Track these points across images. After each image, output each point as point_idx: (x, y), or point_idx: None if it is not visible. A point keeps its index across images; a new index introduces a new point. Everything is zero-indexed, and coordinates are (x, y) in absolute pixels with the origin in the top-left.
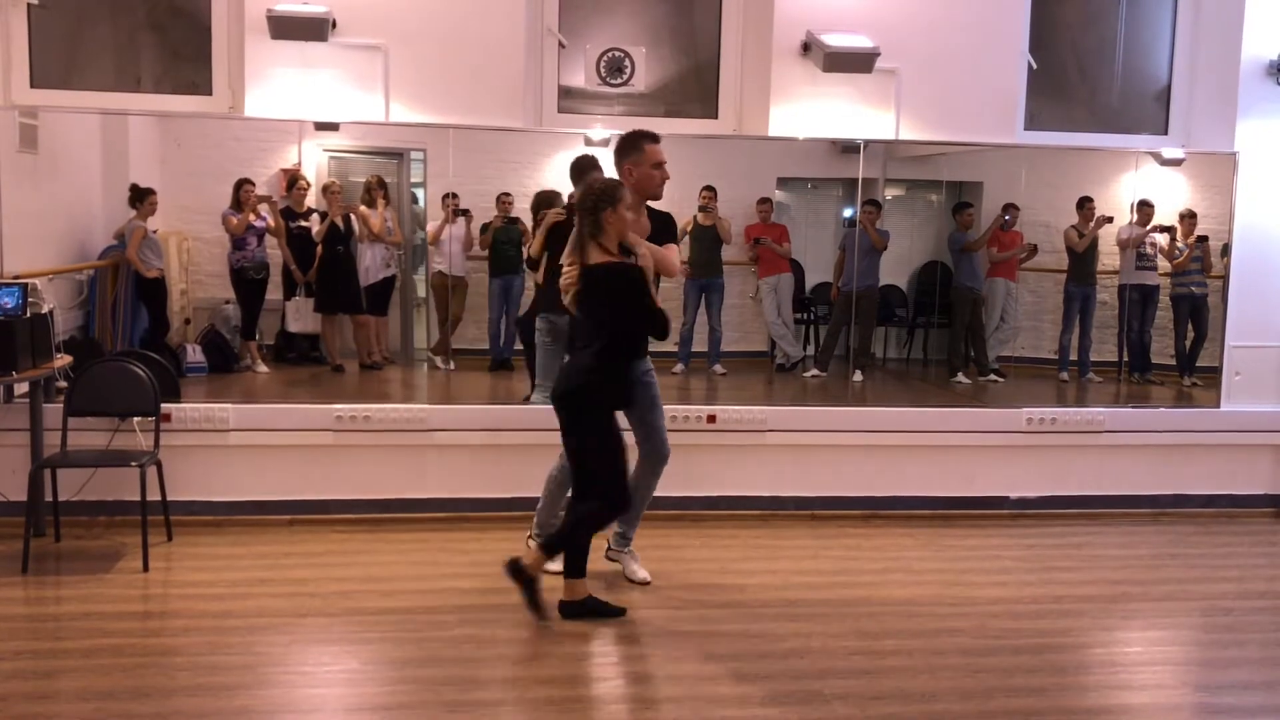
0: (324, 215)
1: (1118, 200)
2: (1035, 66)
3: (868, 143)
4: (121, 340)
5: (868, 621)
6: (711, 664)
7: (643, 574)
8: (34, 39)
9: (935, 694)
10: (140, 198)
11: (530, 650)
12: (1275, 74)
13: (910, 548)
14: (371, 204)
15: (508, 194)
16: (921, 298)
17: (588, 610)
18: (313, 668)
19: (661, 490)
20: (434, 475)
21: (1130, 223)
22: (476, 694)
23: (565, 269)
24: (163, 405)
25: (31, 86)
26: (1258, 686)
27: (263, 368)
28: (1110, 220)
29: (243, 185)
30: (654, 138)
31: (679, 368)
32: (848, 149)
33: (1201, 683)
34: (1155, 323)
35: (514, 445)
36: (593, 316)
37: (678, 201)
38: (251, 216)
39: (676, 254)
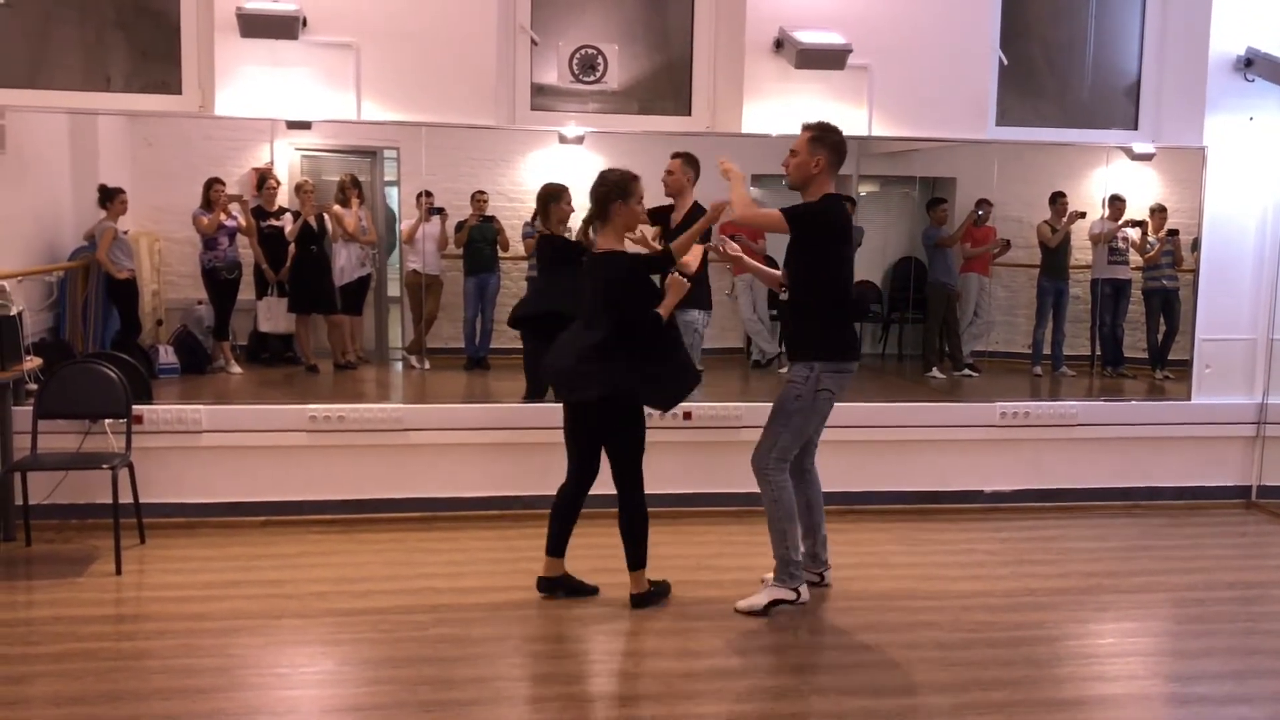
0: (296, 214)
1: (1089, 195)
2: (1006, 62)
3: None
4: (92, 342)
5: (843, 616)
6: (688, 660)
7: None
8: (1, 37)
9: (911, 687)
10: (109, 198)
11: (505, 649)
12: (1242, 69)
13: (885, 542)
14: (345, 203)
15: (483, 192)
16: (896, 293)
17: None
18: (287, 669)
19: None
20: (409, 475)
21: (1102, 217)
22: (452, 694)
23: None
24: (134, 407)
25: None
26: (1228, 676)
27: (236, 368)
28: (1082, 215)
29: (213, 185)
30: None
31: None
32: None
33: (1173, 673)
34: (1127, 316)
35: (489, 444)
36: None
37: (652, 198)
38: (222, 216)
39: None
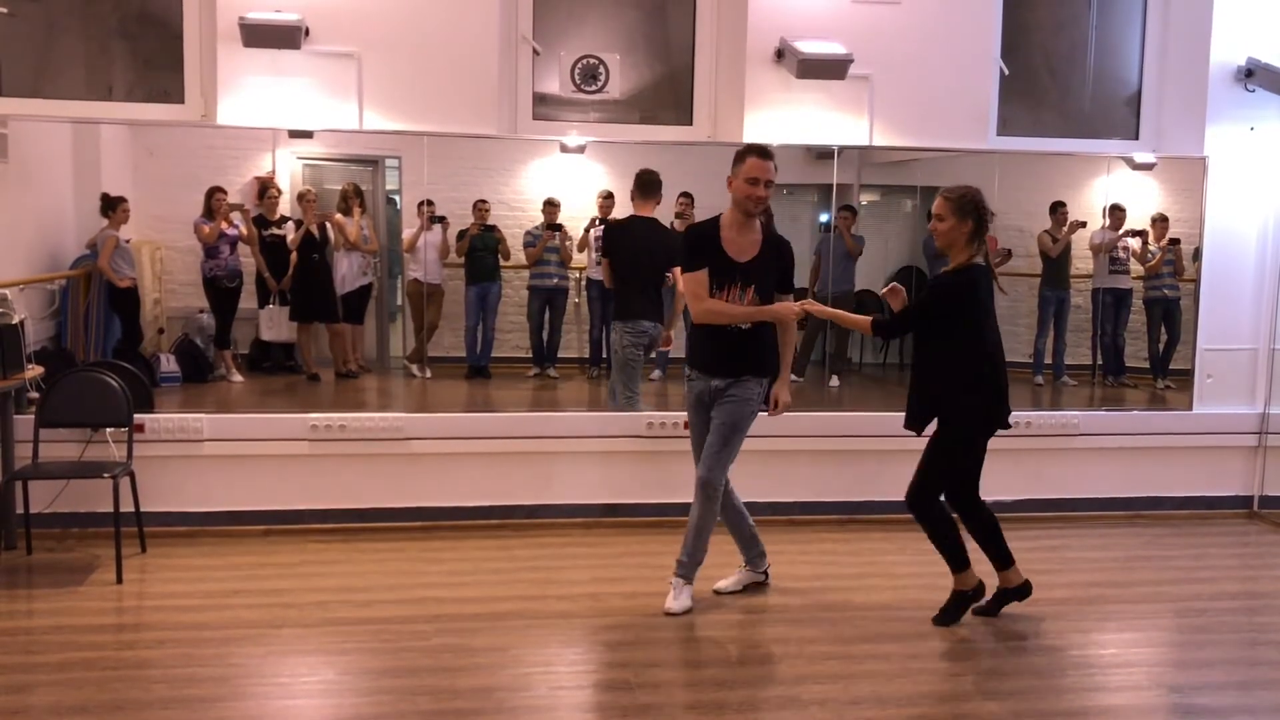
0: (298, 223)
1: (1090, 204)
2: (1007, 72)
3: (842, 149)
4: (94, 350)
5: (845, 626)
6: (689, 670)
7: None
8: (3, 47)
9: (912, 698)
10: (111, 206)
11: (507, 659)
12: (1243, 79)
13: (887, 552)
14: (347, 212)
15: (484, 201)
16: None
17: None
18: (289, 679)
19: (637, 498)
20: (410, 484)
21: (1103, 227)
22: (454, 704)
23: None
24: (136, 415)
25: (1, 95)
26: (1231, 687)
27: (237, 377)
28: (1083, 225)
29: (215, 193)
30: (760, 151)
31: (656, 374)
32: (822, 155)
33: (1176, 683)
34: (1128, 326)
35: (491, 454)
36: None
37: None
38: (224, 225)
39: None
